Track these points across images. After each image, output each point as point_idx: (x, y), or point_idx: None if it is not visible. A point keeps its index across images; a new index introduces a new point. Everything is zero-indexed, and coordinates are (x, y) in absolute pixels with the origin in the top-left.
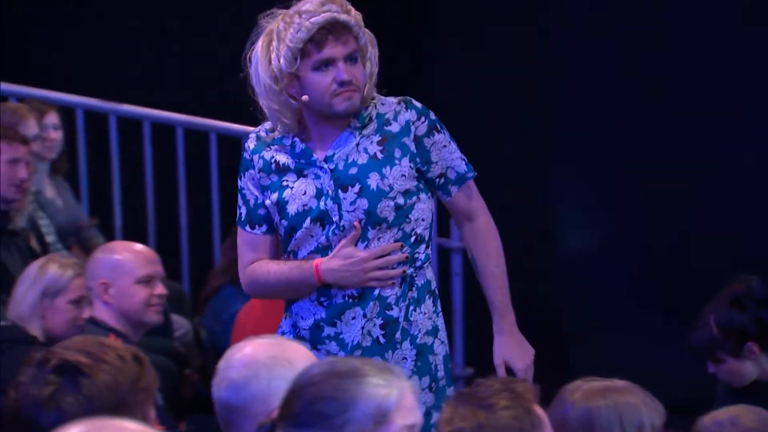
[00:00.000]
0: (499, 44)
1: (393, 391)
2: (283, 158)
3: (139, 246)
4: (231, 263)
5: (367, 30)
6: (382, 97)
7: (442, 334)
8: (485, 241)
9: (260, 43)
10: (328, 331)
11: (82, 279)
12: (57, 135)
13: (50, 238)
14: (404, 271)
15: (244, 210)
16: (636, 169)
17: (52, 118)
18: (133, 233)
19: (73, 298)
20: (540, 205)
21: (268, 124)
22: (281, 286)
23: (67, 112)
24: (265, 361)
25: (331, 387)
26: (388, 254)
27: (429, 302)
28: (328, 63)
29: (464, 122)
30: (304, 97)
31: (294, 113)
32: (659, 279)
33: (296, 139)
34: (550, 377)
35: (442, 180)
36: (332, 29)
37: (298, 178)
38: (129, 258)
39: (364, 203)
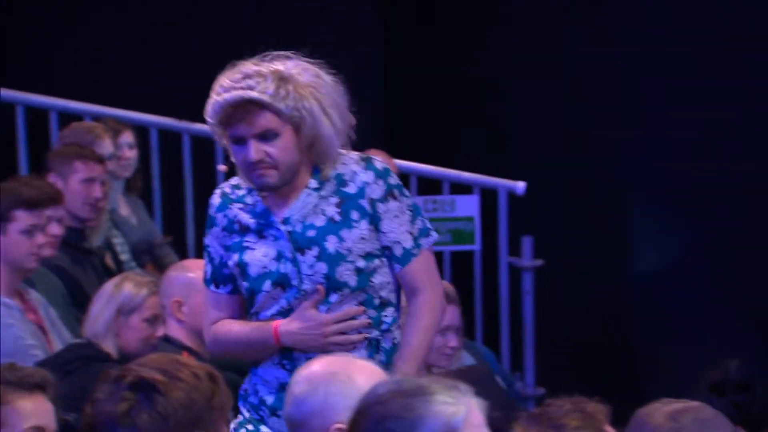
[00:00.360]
0: (576, 63)
1: (461, 408)
2: (245, 218)
3: None
4: None
5: (310, 88)
6: (346, 154)
7: None
8: (419, 317)
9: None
10: None
11: (156, 297)
12: (132, 154)
13: (124, 257)
14: (366, 337)
15: (209, 268)
16: (712, 184)
17: (127, 137)
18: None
19: (147, 317)
20: (614, 222)
21: (235, 179)
22: (242, 347)
23: (141, 131)
24: (324, 376)
25: (399, 406)
26: (351, 318)
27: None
28: (240, 140)
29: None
30: (221, 167)
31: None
32: (733, 297)
33: (259, 198)
34: (619, 397)
35: (388, 253)
36: (240, 109)
37: (259, 239)
38: (202, 276)
39: (323, 267)
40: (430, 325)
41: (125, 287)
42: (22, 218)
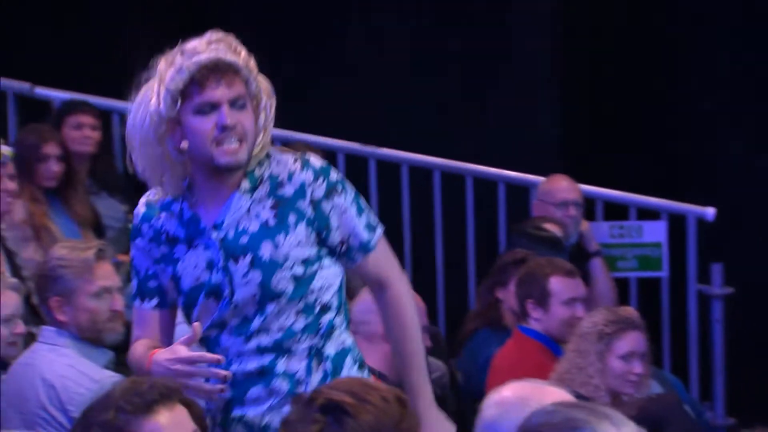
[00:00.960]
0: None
1: None
2: (172, 227)
3: None
4: (487, 306)
5: (263, 78)
6: (278, 154)
7: None
8: (398, 314)
9: (143, 90)
10: (235, 412)
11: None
12: None
13: None
14: (223, 390)
15: (135, 282)
16: None
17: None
18: None
19: None
20: None
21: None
22: (140, 372)
23: (328, 156)
24: (514, 401)
25: None
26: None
27: (354, 370)
28: (210, 107)
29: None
30: (184, 143)
31: (176, 171)
32: None
33: (184, 204)
34: None
35: (344, 247)
36: (216, 70)
37: (188, 249)
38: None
39: (257, 276)
40: (412, 321)
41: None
42: None
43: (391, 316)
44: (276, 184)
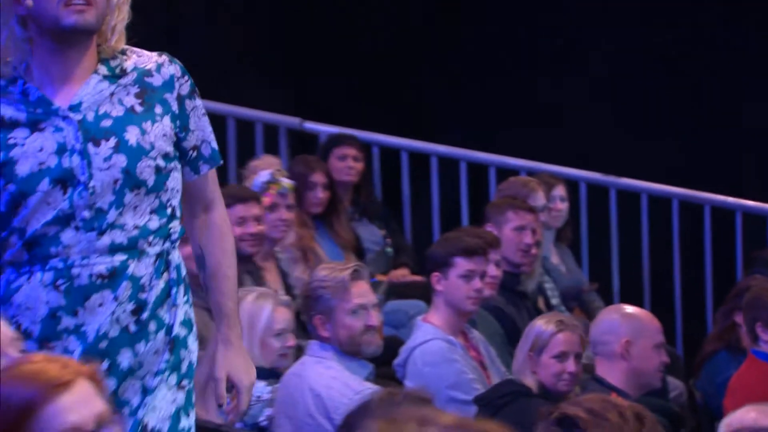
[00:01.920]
0: None
1: None
2: (9, 111)
3: (641, 312)
4: (725, 330)
5: None
6: (137, 50)
7: (195, 329)
8: (223, 237)
9: None
10: (66, 322)
11: (564, 335)
12: (563, 206)
13: (555, 301)
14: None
15: None
16: None
17: (560, 190)
18: (630, 298)
19: (555, 353)
20: None
21: None
22: None
23: (572, 185)
24: (750, 424)
25: None
26: None
27: (182, 288)
28: None
29: None
30: (28, 2)
31: (18, 48)
32: None
33: (29, 86)
34: None
35: (195, 153)
36: None
37: (32, 132)
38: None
39: (121, 160)
40: (232, 246)
41: (537, 324)
42: (461, 264)
43: (215, 237)
44: (143, 73)
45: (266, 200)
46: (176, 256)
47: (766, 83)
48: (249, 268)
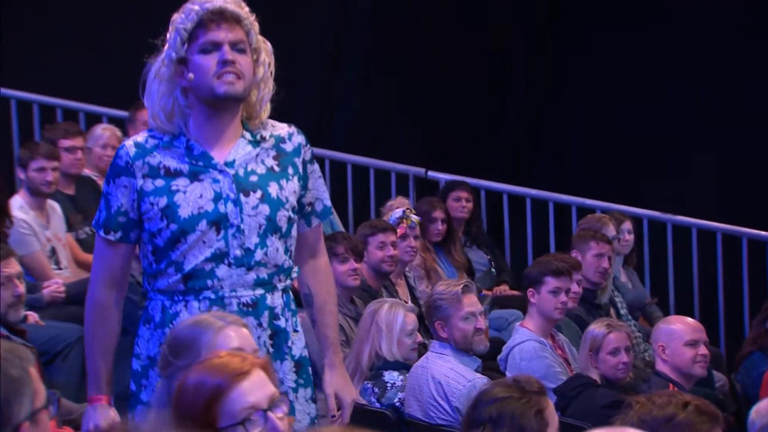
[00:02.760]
0: None
1: None
2: (173, 163)
3: (688, 319)
4: (759, 335)
5: (263, 38)
6: (272, 120)
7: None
8: (327, 280)
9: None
10: None
11: (614, 334)
12: (630, 238)
13: (623, 311)
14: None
15: (103, 214)
16: None
17: (627, 225)
18: (683, 310)
19: (609, 350)
20: None
21: (142, 134)
22: (88, 356)
23: (636, 221)
24: None
25: None
26: None
27: (296, 318)
28: (213, 45)
29: None
30: (190, 75)
31: (181, 111)
32: None
33: (192, 142)
34: None
35: (310, 209)
36: (221, 16)
37: (192, 182)
38: (679, 327)
39: (265, 209)
40: (334, 287)
41: (592, 327)
42: (551, 282)
43: (322, 282)
44: (279, 140)
45: (399, 231)
46: (290, 293)
47: None
48: (386, 284)
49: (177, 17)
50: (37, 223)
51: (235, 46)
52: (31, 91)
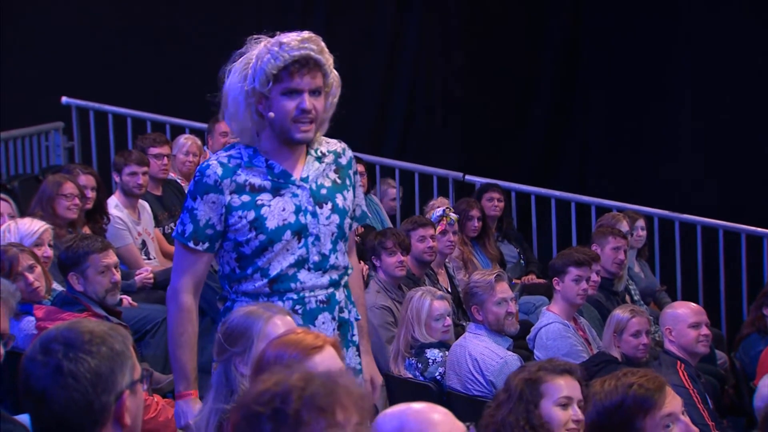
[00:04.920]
0: None
1: None
2: (257, 180)
3: (692, 304)
4: (756, 318)
5: (335, 72)
6: (325, 138)
7: None
8: (359, 277)
9: (237, 65)
10: None
11: (637, 319)
12: (643, 233)
13: (636, 297)
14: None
15: (190, 227)
16: None
17: (640, 222)
18: (689, 296)
19: (632, 332)
20: None
21: (223, 154)
22: (172, 352)
23: (648, 219)
24: None
25: None
26: None
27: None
28: (295, 92)
29: None
30: (271, 114)
31: (257, 129)
32: None
33: (272, 161)
34: None
35: (353, 215)
36: (305, 64)
37: (274, 197)
38: (684, 311)
39: (336, 219)
40: (363, 283)
41: (617, 312)
42: (573, 272)
43: (355, 279)
44: (336, 155)
45: (440, 228)
46: (348, 288)
47: None
48: (428, 272)
49: (264, 55)
50: (130, 220)
51: (314, 92)
52: (125, 107)
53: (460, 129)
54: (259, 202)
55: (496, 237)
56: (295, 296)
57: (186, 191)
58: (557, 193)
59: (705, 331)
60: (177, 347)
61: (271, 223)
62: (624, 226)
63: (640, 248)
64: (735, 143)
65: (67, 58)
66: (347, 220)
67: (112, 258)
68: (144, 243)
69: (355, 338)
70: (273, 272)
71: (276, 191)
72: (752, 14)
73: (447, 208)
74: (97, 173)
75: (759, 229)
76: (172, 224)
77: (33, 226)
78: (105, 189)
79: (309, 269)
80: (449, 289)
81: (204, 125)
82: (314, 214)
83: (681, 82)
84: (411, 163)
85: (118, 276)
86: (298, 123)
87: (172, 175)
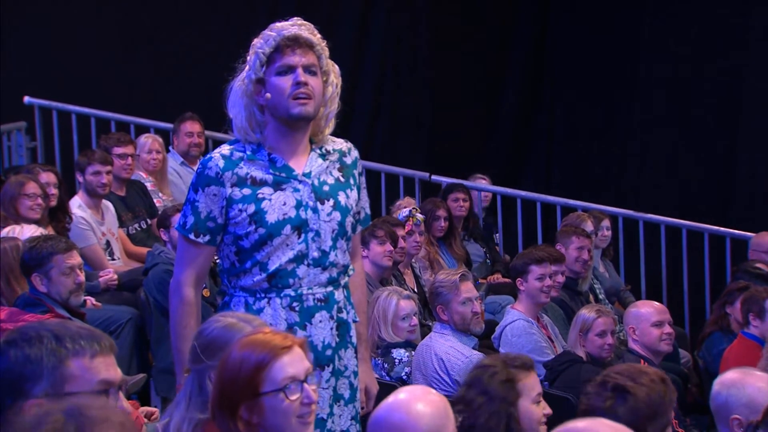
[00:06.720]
0: None
1: None
2: (259, 173)
3: (655, 303)
4: (719, 317)
5: (332, 62)
6: (331, 136)
7: None
8: (363, 281)
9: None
10: (299, 334)
11: (604, 319)
12: (607, 233)
13: (601, 296)
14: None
15: (191, 219)
16: None
17: (605, 222)
18: (653, 296)
19: (597, 332)
20: None
21: (226, 147)
22: (174, 343)
23: (613, 218)
24: (736, 380)
25: None
26: None
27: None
28: (288, 68)
29: None
30: (267, 95)
31: (259, 124)
32: None
33: (274, 155)
34: None
35: (358, 217)
36: (296, 42)
37: (275, 191)
38: (647, 310)
39: (337, 215)
40: (366, 288)
41: (584, 312)
42: (535, 270)
43: (358, 284)
44: (341, 154)
45: (407, 228)
46: (348, 288)
47: None
48: (395, 273)
49: (257, 42)
50: (94, 220)
51: (307, 69)
52: (88, 106)
53: (426, 131)
54: (260, 196)
55: (462, 237)
56: (292, 293)
57: (150, 191)
58: (523, 193)
59: (668, 329)
60: (180, 340)
61: (271, 217)
62: (589, 226)
63: (604, 248)
64: (699, 144)
65: (29, 58)
66: (349, 219)
67: (76, 259)
68: (108, 243)
69: (354, 339)
70: (272, 267)
71: (277, 185)
72: (717, 17)
73: (413, 208)
74: (59, 172)
75: (722, 229)
76: (136, 225)
77: (36, 232)
78: (66, 187)
79: (308, 265)
80: (416, 289)
81: (169, 125)
82: (315, 210)
83: (647, 83)
84: (377, 163)
85: (82, 277)
86: (296, 99)
87: (141, 174)
